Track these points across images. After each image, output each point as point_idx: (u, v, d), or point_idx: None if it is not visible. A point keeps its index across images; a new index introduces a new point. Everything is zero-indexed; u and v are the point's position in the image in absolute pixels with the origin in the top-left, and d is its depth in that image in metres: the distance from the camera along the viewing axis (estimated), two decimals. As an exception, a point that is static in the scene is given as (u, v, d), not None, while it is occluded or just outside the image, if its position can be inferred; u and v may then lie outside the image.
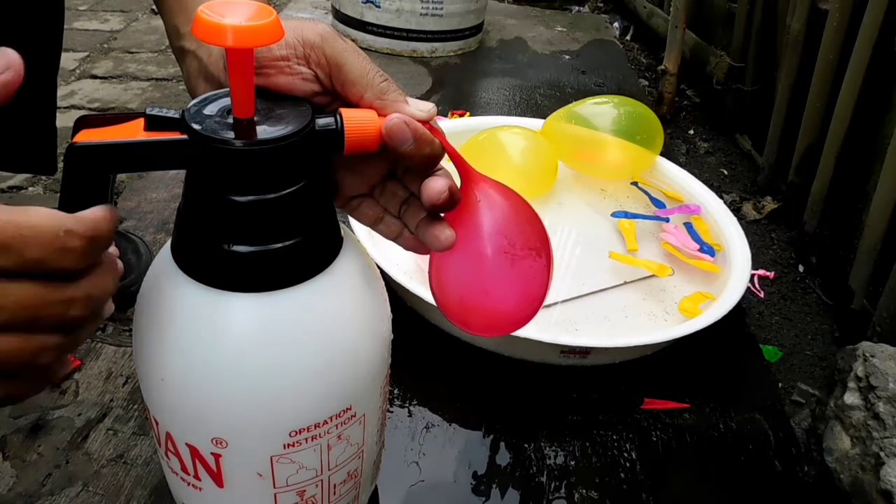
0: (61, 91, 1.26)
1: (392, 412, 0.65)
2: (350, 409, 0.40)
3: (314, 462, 0.40)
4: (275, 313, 0.36)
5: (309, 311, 0.37)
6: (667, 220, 0.87)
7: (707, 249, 0.82)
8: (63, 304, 0.29)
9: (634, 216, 0.88)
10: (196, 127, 0.33)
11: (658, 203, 0.91)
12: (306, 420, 0.38)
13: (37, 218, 0.28)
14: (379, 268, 0.67)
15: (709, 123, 1.39)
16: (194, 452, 0.39)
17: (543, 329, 0.65)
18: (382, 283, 0.43)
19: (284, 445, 0.38)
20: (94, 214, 0.30)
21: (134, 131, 0.33)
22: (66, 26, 0.72)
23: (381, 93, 0.36)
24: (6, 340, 0.29)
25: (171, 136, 0.33)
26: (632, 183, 0.95)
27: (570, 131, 0.93)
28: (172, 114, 0.34)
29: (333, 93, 0.38)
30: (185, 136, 0.33)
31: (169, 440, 0.40)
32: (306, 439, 0.38)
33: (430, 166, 0.38)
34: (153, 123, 0.33)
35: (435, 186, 0.36)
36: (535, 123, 0.99)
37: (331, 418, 0.39)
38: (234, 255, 0.35)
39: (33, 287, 0.28)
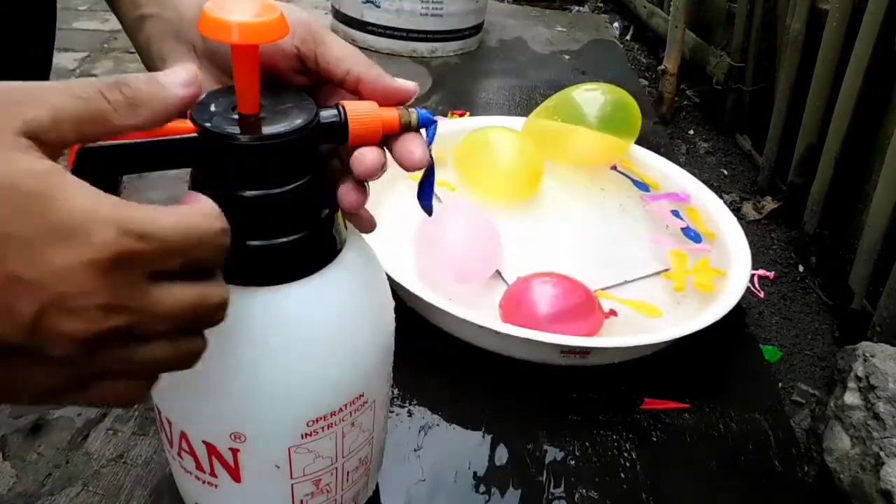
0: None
1: (392, 412, 0.65)
2: (363, 395, 0.40)
3: (329, 450, 0.41)
4: (287, 306, 0.37)
5: (320, 302, 0.38)
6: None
7: (693, 235, 0.82)
8: (215, 306, 0.29)
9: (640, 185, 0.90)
10: (205, 124, 0.33)
11: (641, 186, 0.93)
12: (323, 409, 0.38)
13: (198, 220, 0.27)
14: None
15: (709, 123, 1.40)
16: (211, 449, 0.39)
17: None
18: (384, 271, 0.44)
19: (302, 435, 0.39)
20: (215, 208, 0.29)
21: None
22: (66, 26, 0.72)
23: (370, 66, 0.37)
24: (161, 346, 0.28)
25: (180, 134, 0.34)
26: (612, 167, 0.95)
27: (548, 127, 0.94)
28: None
29: (312, 72, 0.38)
30: (194, 135, 0.34)
31: (183, 439, 0.40)
32: (322, 428, 0.39)
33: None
34: None
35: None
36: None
37: (345, 406, 0.39)
38: (245, 249, 0.35)
39: (195, 288, 0.28)
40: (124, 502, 0.55)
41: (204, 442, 0.39)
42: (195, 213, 0.28)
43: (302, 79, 0.39)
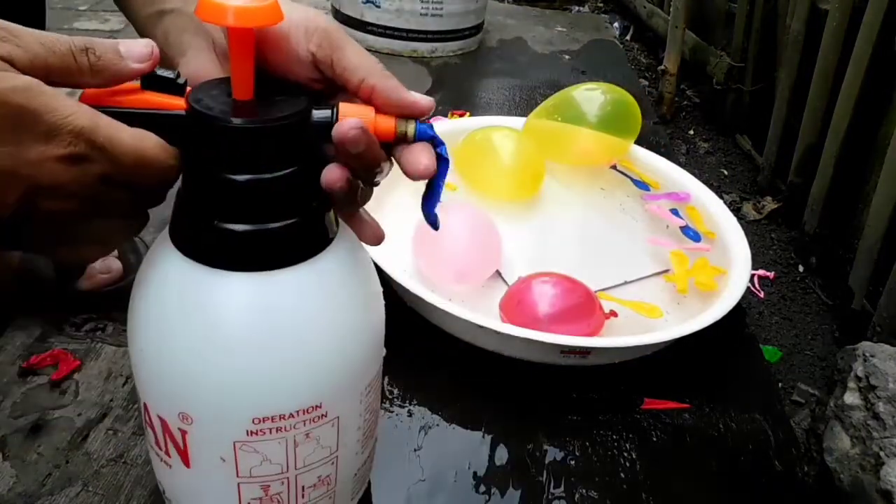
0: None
1: (392, 412, 0.65)
2: (320, 407, 0.39)
3: (279, 457, 0.40)
4: (249, 295, 0.37)
5: (284, 299, 0.37)
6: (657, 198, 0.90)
7: (692, 234, 0.82)
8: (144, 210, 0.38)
9: (641, 185, 0.89)
10: (194, 105, 0.34)
11: (641, 185, 0.92)
12: (270, 409, 0.38)
13: (153, 149, 0.34)
14: (379, 268, 0.67)
15: (709, 123, 1.40)
16: (164, 426, 0.39)
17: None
18: (377, 286, 0.43)
19: (248, 432, 0.38)
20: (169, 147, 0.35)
21: (132, 90, 0.35)
22: (66, 26, 0.72)
23: (386, 76, 0.37)
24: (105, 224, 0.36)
25: (168, 109, 0.35)
26: (612, 167, 0.95)
27: (548, 127, 0.94)
28: (169, 74, 0.35)
29: (328, 79, 0.38)
30: (181, 112, 0.35)
31: (146, 411, 0.41)
32: (270, 430, 0.38)
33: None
34: (150, 82, 0.35)
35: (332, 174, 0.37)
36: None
37: (297, 413, 0.38)
38: (214, 230, 0.36)
39: (130, 196, 0.35)
40: (124, 502, 0.55)
41: (159, 416, 0.39)
42: (152, 142, 0.34)
43: (319, 86, 0.39)
